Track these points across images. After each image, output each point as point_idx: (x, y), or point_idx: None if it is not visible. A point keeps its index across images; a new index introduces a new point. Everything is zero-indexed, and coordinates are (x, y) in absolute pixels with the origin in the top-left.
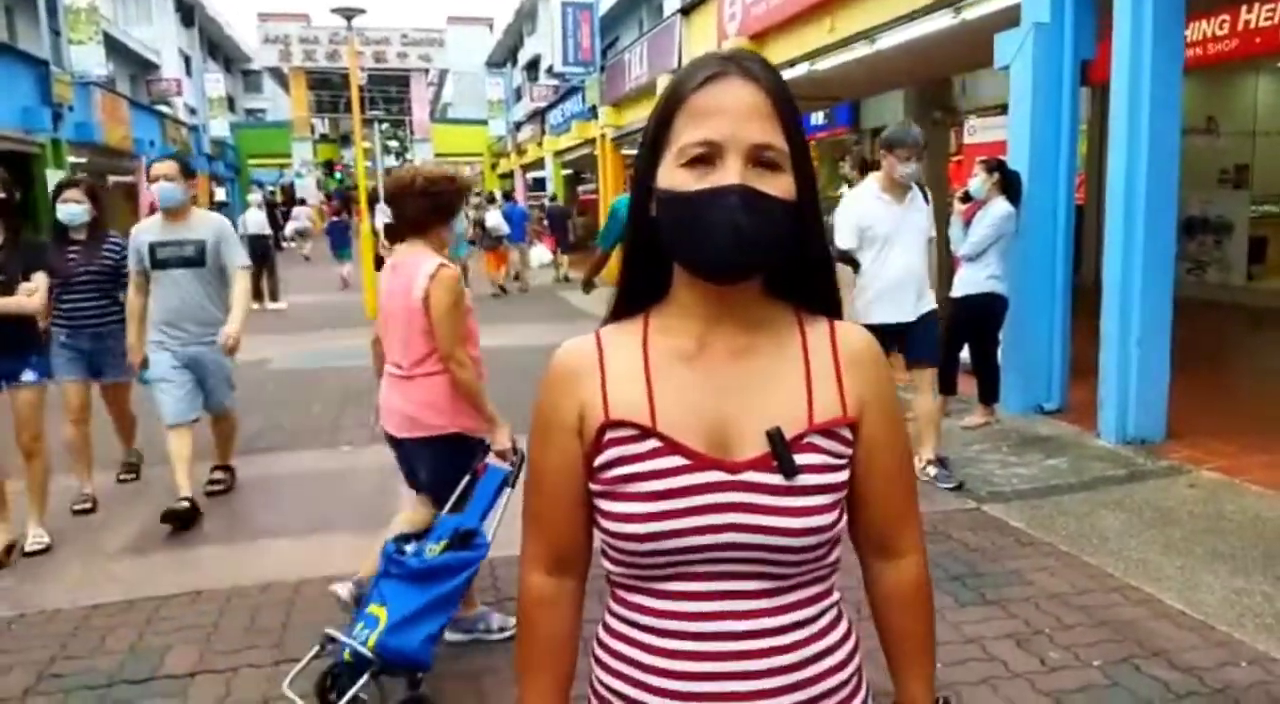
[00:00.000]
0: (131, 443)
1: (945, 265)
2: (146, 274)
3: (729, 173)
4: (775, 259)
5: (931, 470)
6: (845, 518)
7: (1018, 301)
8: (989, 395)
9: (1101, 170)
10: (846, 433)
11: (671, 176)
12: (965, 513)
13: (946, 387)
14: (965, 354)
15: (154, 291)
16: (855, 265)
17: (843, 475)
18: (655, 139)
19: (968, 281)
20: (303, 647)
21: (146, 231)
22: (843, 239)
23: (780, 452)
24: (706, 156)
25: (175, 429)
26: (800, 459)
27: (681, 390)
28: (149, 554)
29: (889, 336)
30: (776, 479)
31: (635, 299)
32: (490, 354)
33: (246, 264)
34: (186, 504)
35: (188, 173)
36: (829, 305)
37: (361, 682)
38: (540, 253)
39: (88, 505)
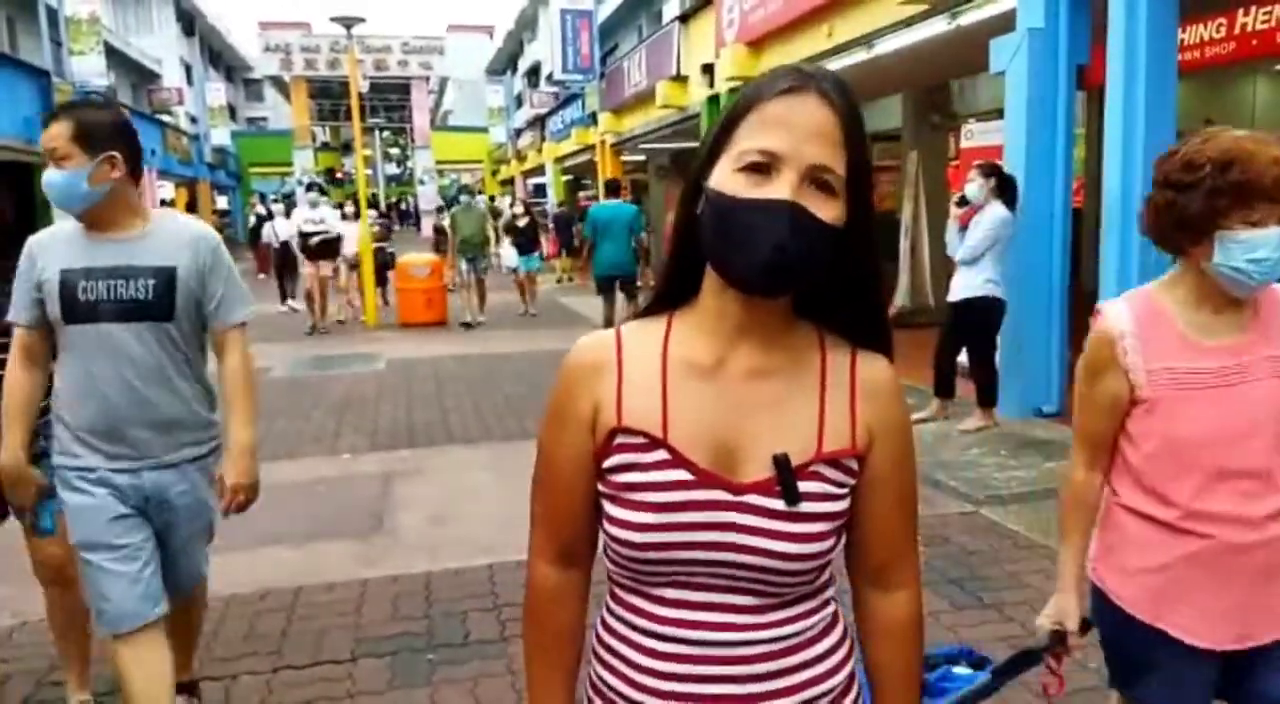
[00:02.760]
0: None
1: (944, 270)
2: (50, 329)
3: (783, 187)
4: (810, 282)
5: None
6: (841, 543)
7: (1016, 305)
8: (987, 399)
9: (1100, 175)
10: (853, 464)
11: (725, 179)
12: (963, 516)
13: (945, 390)
14: (964, 358)
15: (67, 364)
16: None
17: (843, 504)
18: (718, 139)
19: (965, 285)
20: (301, 653)
21: (54, 249)
22: None
23: (785, 478)
24: (763, 165)
25: (128, 638)
26: (804, 487)
27: (696, 405)
28: None
29: None
30: (778, 504)
31: (669, 297)
32: (501, 361)
33: (245, 319)
34: None
35: (101, 142)
36: (876, 335)
37: None
38: (510, 255)
39: None
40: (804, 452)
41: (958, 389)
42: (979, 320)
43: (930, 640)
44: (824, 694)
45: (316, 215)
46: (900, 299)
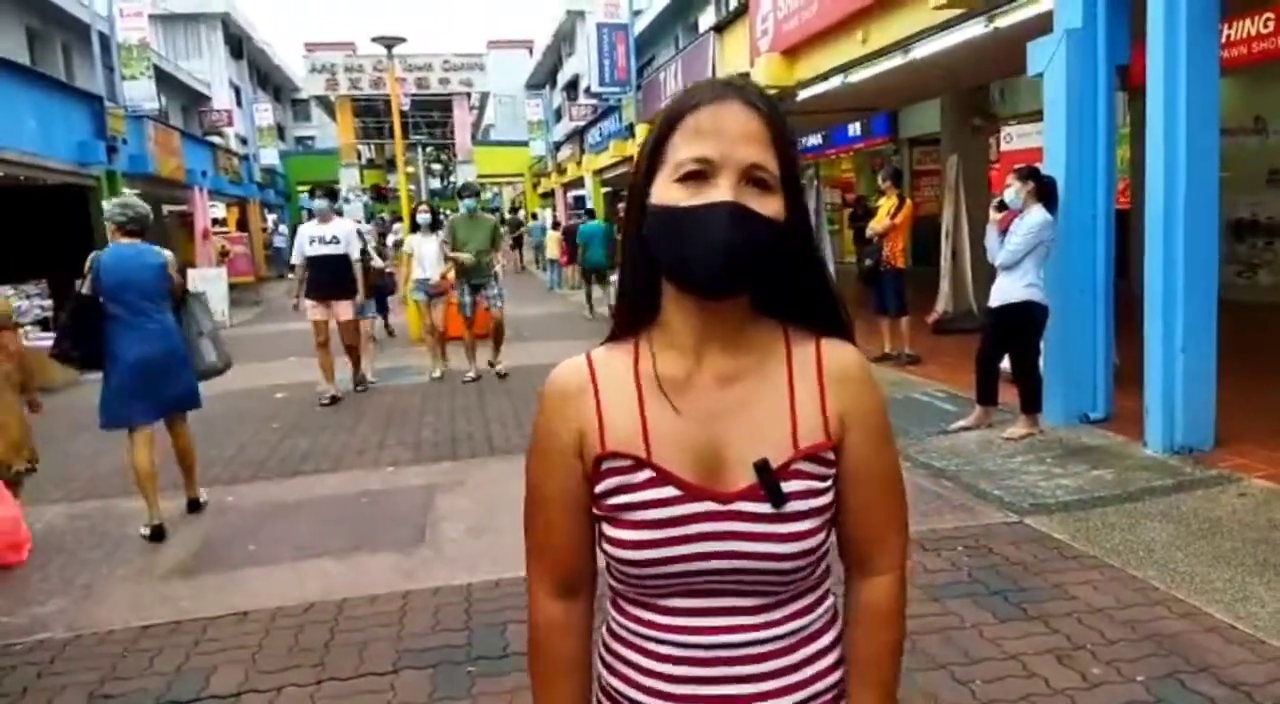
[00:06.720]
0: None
1: (985, 274)
2: None
3: (723, 189)
4: (761, 275)
5: None
6: (833, 535)
7: (1060, 310)
8: (1031, 405)
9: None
10: (829, 455)
11: (665, 192)
12: (1008, 526)
13: (987, 397)
14: (1006, 364)
15: None
16: None
17: (828, 498)
18: (651, 157)
19: (1005, 291)
20: (345, 666)
21: None
22: None
23: (768, 483)
24: (701, 174)
25: None
26: (787, 486)
27: (673, 420)
28: (198, 576)
29: None
30: (766, 508)
31: (631, 321)
32: (544, 373)
33: None
34: None
35: None
36: (832, 323)
37: None
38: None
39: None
40: (782, 452)
41: (1001, 395)
42: (1020, 325)
43: (974, 654)
44: (830, 688)
45: (326, 233)
46: (942, 304)
